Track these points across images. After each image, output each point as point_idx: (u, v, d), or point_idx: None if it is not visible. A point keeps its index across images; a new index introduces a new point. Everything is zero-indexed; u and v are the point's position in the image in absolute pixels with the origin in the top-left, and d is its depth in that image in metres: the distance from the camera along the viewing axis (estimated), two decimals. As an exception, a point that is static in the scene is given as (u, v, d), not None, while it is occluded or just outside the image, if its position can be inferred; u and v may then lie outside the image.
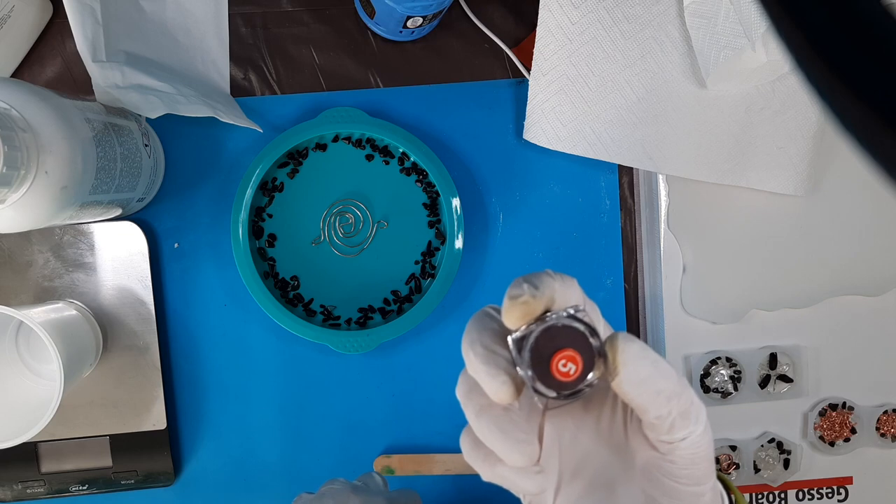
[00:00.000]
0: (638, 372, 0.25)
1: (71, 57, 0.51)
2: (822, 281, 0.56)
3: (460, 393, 0.27)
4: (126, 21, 0.47)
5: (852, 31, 0.13)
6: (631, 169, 0.56)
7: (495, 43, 0.53)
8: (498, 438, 0.26)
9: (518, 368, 0.25)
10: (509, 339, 0.25)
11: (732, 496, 0.30)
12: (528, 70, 0.52)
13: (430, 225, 0.53)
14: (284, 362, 0.53)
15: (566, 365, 0.24)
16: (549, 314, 0.25)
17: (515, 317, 0.25)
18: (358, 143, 0.52)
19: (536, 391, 0.25)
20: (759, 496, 0.57)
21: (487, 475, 0.28)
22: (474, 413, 0.26)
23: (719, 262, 0.55)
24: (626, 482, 0.28)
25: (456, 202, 0.51)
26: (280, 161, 0.51)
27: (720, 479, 0.30)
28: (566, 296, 0.25)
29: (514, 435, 0.26)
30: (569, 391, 0.25)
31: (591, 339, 0.24)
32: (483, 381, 0.25)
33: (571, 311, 0.25)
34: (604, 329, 0.28)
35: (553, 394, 0.25)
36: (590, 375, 0.24)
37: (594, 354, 0.24)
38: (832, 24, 0.14)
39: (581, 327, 0.24)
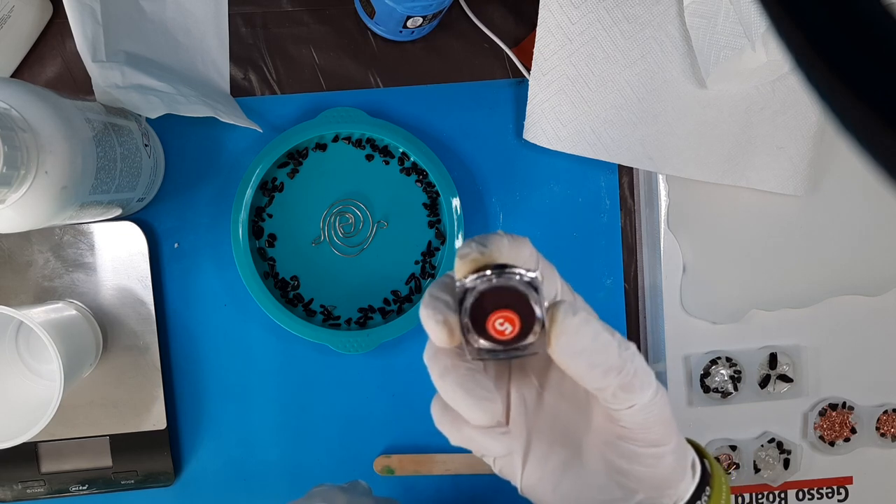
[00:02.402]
0: (572, 345, 0.25)
1: (71, 57, 0.51)
2: (822, 281, 0.56)
3: (426, 356, 0.27)
4: (126, 21, 0.47)
5: (852, 31, 0.13)
6: (631, 169, 0.56)
7: (495, 43, 0.53)
8: (460, 396, 0.26)
9: (460, 317, 0.25)
10: (457, 283, 0.25)
11: (706, 461, 0.30)
12: (528, 70, 0.52)
13: (430, 225, 0.53)
14: (284, 362, 0.53)
15: (503, 324, 0.24)
16: (505, 271, 0.25)
17: (464, 273, 0.25)
18: (358, 143, 0.52)
19: (467, 341, 0.25)
20: (759, 496, 0.57)
21: (455, 438, 0.28)
22: (439, 374, 0.27)
23: (719, 262, 0.55)
24: (591, 442, 0.28)
25: (456, 202, 0.51)
26: (280, 161, 0.51)
27: (693, 446, 0.30)
28: (515, 253, 0.25)
29: (477, 393, 0.26)
30: (500, 350, 0.25)
31: (535, 307, 0.24)
32: (424, 322, 0.26)
33: (523, 272, 0.25)
34: (561, 291, 0.28)
35: (485, 346, 0.25)
36: (525, 339, 0.24)
37: (534, 320, 0.24)
38: (832, 24, 0.14)
39: (526, 291, 0.24)
